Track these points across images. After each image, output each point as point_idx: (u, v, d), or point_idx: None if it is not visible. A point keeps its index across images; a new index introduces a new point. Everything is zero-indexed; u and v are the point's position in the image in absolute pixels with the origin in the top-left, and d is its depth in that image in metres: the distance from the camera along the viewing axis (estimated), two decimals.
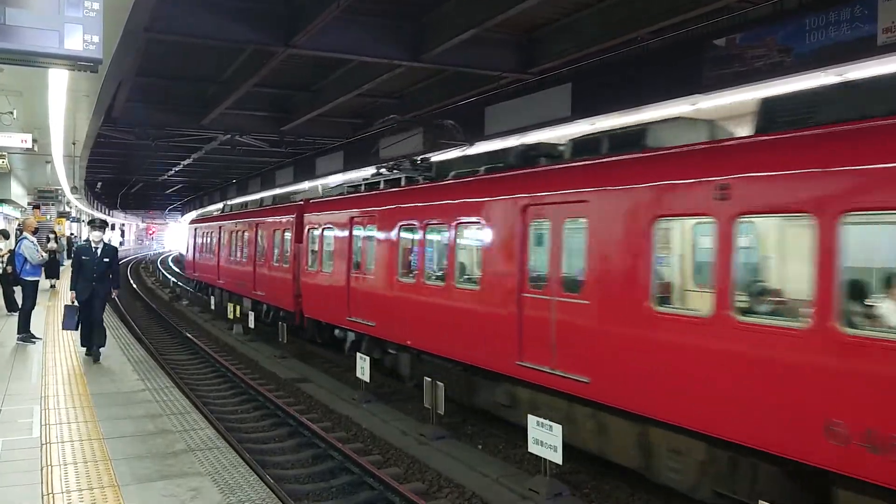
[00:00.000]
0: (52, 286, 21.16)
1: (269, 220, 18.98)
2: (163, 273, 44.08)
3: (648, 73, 13.77)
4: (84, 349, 11.03)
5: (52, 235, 22.95)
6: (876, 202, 5.15)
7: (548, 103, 15.99)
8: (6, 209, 32.55)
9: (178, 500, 5.44)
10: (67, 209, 37.67)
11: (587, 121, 14.49)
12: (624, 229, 7.19)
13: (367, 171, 23.05)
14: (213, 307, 23.93)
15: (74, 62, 5.63)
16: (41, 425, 7.28)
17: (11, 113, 13.43)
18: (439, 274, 10.50)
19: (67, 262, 24.95)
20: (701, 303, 6.70)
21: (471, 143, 15.02)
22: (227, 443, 7.32)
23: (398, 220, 11.46)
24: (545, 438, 7.42)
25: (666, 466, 6.89)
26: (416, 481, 8.25)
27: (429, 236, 10.82)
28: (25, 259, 13.36)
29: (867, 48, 9.84)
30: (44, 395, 8.51)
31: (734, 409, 5.91)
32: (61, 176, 27.59)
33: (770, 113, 6.64)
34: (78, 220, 43.25)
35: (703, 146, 7.07)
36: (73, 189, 31.73)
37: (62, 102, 13.19)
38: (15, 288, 14.69)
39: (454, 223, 10.04)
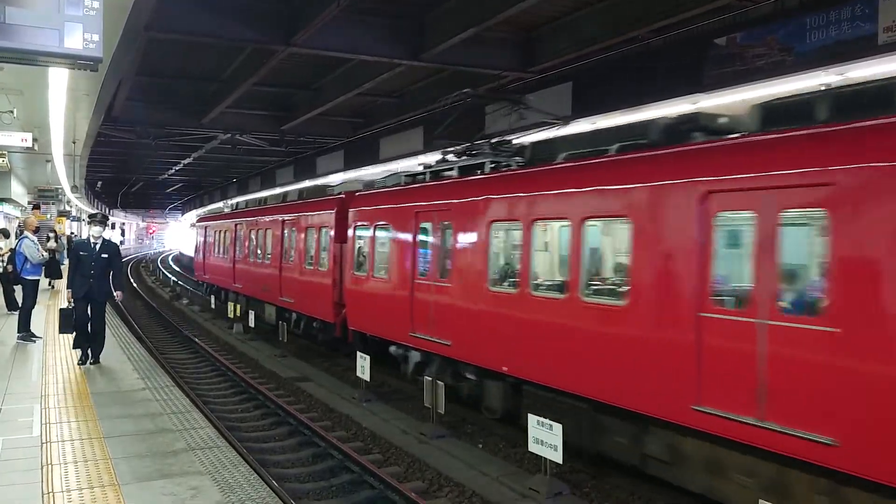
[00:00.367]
0: (51, 286, 21.09)
1: (301, 216, 16.63)
2: (163, 272, 44.10)
3: (649, 72, 13.78)
4: (77, 352, 10.29)
5: (52, 234, 22.87)
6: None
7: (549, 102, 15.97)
8: (6, 208, 32.50)
9: (178, 499, 5.44)
10: (68, 208, 37.66)
11: (587, 120, 14.49)
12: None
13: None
14: (213, 307, 23.94)
15: (74, 61, 5.62)
16: (41, 424, 7.28)
17: (11, 112, 13.42)
18: (557, 283, 8.69)
19: (68, 262, 24.82)
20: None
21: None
22: (227, 442, 7.31)
23: (487, 216, 9.59)
24: (545, 437, 7.41)
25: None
26: (416, 480, 8.26)
27: (536, 236, 8.89)
28: (26, 258, 13.37)
29: (868, 47, 9.87)
30: (44, 394, 8.51)
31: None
32: (61, 175, 27.58)
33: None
34: (78, 220, 43.25)
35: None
36: (74, 188, 31.73)
37: (62, 101, 13.18)
38: (15, 287, 14.69)
39: (579, 219, 8.04)
